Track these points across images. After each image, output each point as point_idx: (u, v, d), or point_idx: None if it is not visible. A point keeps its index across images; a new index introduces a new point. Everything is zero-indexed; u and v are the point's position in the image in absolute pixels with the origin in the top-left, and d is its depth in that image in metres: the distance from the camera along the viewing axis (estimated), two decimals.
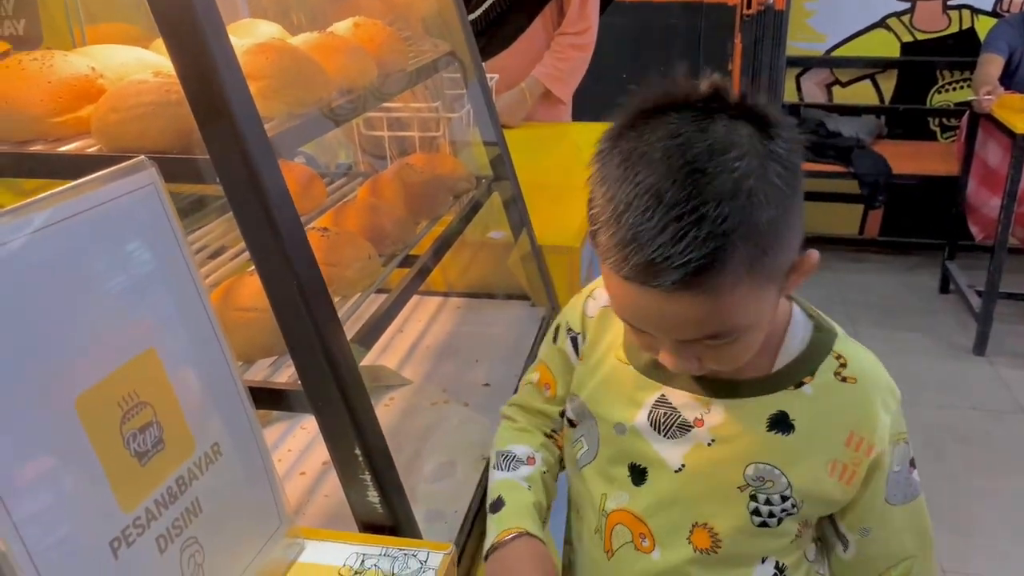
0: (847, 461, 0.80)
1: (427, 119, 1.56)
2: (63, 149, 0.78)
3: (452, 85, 1.56)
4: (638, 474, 0.85)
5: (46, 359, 0.56)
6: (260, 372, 0.87)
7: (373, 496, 0.80)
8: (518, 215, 1.53)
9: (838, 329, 0.84)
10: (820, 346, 0.82)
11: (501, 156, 1.50)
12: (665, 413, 0.83)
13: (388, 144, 1.53)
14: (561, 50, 2.46)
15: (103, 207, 0.64)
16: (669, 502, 0.83)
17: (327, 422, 0.79)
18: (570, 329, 0.96)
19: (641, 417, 0.84)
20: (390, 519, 0.81)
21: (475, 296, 1.61)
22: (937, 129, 4.39)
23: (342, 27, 1.17)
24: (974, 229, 3.66)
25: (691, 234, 0.63)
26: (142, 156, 0.67)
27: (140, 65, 0.89)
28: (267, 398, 0.81)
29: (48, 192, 0.60)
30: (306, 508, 1.02)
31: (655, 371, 0.84)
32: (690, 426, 0.82)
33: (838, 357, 0.82)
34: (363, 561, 0.75)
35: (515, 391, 1.25)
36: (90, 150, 0.79)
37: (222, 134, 0.70)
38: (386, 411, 1.23)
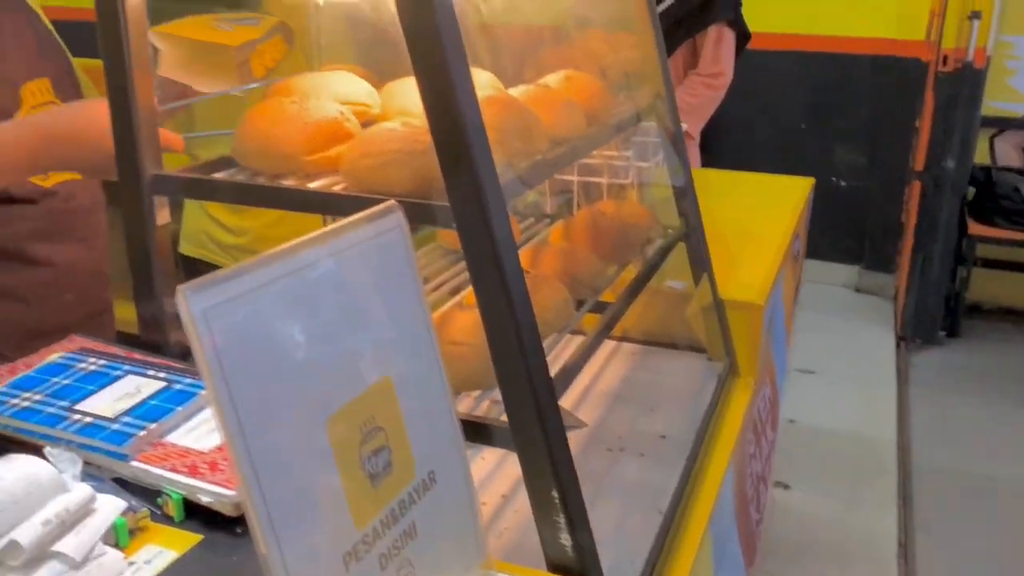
0: None
1: (618, 166, 1.59)
2: (313, 185, 0.86)
3: (643, 131, 1.59)
4: None
5: (310, 380, 0.62)
6: (460, 405, 0.91)
7: (565, 539, 0.82)
8: (700, 266, 1.53)
9: None
10: None
11: (690, 206, 1.50)
12: None
13: (577, 189, 1.57)
14: (693, 87, 2.50)
15: (361, 246, 0.70)
16: None
17: (529, 461, 0.82)
18: None
19: None
20: (579, 563, 0.83)
21: (651, 344, 1.62)
22: None
23: (554, 80, 1.22)
24: None
25: None
26: (392, 201, 0.73)
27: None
28: (472, 431, 0.85)
29: (318, 232, 0.67)
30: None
31: None
32: None
33: None
34: None
35: (692, 446, 1.25)
36: (336, 188, 0.86)
37: (464, 183, 0.75)
38: None
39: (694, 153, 2.66)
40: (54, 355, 0.89)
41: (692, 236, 1.52)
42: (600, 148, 1.60)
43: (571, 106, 1.12)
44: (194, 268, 2.00)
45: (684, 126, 2.47)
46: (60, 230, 1.25)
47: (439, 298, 1.09)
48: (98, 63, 0.84)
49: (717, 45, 2.47)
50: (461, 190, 0.75)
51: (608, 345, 1.62)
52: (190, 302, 0.53)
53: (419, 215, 0.79)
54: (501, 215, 0.77)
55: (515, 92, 1.11)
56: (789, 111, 4.35)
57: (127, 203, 0.88)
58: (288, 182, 0.88)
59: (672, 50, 2.48)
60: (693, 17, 2.45)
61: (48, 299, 1.25)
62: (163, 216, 0.90)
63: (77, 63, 1.38)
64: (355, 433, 0.65)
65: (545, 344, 1.03)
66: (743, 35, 2.57)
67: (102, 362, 0.87)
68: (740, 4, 2.56)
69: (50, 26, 1.34)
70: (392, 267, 0.74)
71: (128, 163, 0.87)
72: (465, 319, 0.93)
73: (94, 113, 1.11)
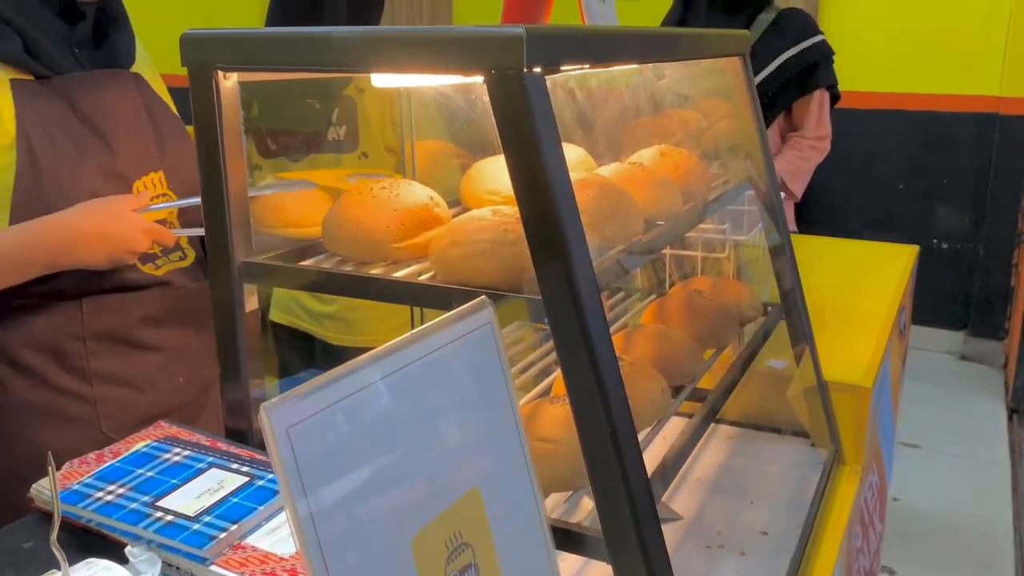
0: None
1: (713, 239, 1.53)
2: (400, 274, 0.83)
3: (740, 201, 1.53)
4: None
5: (396, 496, 0.58)
6: (549, 505, 0.86)
7: None
8: (802, 343, 1.45)
9: None
10: None
11: (791, 281, 1.43)
12: None
13: (670, 262, 1.52)
14: (801, 149, 2.44)
15: (450, 346, 0.67)
16: None
17: (624, 571, 0.76)
18: None
19: None
20: None
21: (749, 426, 1.53)
22: None
23: (648, 156, 1.18)
24: None
25: None
26: (483, 296, 0.70)
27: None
28: (563, 538, 0.80)
29: (408, 335, 0.64)
30: None
31: None
32: None
33: None
34: None
35: (796, 544, 1.16)
36: (424, 277, 0.83)
37: (556, 274, 0.71)
38: None
39: (790, 216, 2.58)
40: (140, 444, 0.88)
41: (793, 312, 1.45)
42: None
43: (666, 184, 1.08)
44: (283, 335, 2.01)
45: (789, 189, 2.41)
46: (170, 316, 1.25)
47: (526, 382, 1.05)
48: None
49: (821, 109, 2.42)
50: (553, 282, 0.71)
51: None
52: (271, 419, 0.50)
53: (510, 309, 0.75)
54: (595, 308, 0.73)
55: (608, 171, 1.08)
56: (887, 172, 4.20)
57: (216, 290, 0.88)
58: (376, 270, 0.86)
59: (772, 119, 2.42)
60: (794, 84, 2.39)
61: (159, 384, 1.25)
62: (251, 303, 0.89)
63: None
64: (441, 551, 0.61)
65: (641, 437, 0.98)
66: (835, 97, 2.51)
67: (186, 453, 0.85)
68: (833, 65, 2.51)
69: (171, 106, 1.35)
70: (482, 366, 0.71)
71: (219, 251, 0.86)
72: (555, 414, 0.88)
73: (115, 208, 1.13)
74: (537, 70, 0.69)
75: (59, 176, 1.13)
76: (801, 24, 2.43)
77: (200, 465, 0.82)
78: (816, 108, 2.41)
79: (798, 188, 2.47)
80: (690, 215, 1.10)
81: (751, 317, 1.35)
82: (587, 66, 0.78)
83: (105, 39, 1.23)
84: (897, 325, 1.87)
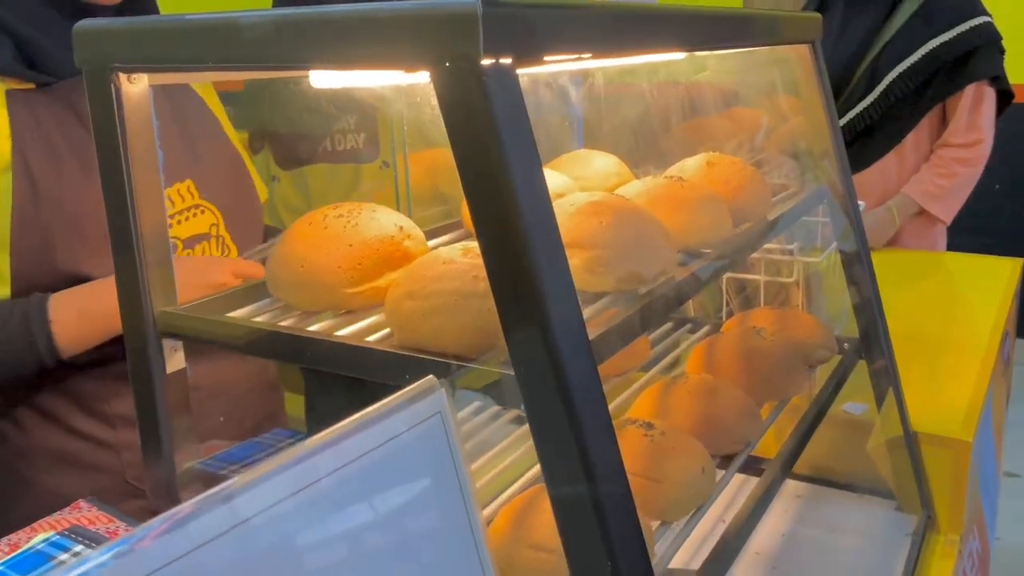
0: None
1: (778, 260, 1.30)
2: (345, 332, 0.64)
3: (811, 214, 1.29)
4: None
5: None
6: None
7: None
8: (885, 386, 1.21)
9: None
10: None
11: (873, 314, 1.19)
12: None
13: (726, 288, 1.30)
14: (943, 164, 2.05)
15: (385, 447, 0.48)
16: None
17: None
18: None
19: None
20: None
21: (819, 483, 1.30)
22: None
23: (692, 166, 0.97)
24: None
25: None
26: (431, 377, 0.51)
27: None
28: None
29: (332, 429, 0.46)
30: None
31: None
32: None
33: None
34: None
35: None
36: (374, 336, 0.64)
37: (528, 345, 0.51)
38: None
39: (941, 241, 2.20)
40: (40, 536, 0.71)
41: (874, 348, 1.21)
42: None
43: (712, 203, 0.86)
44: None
45: (932, 211, 2.05)
46: (204, 349, 1.11)
47: (513, 466, 0.84)
48: None
49: (975, 108, 2.01)
50: (524, 353, 0.51)
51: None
52: None
53: (477, 386, 0.56)
54: (591, 390, 0.52)
55: (639, 187, 0.87)
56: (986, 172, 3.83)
57: (130, 344, 0.70)
58: (322, 323, 0.67)
59: (918, 119, 2.06)
60: (947, 75, 2.00)
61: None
62: (175, 362, 0.71)
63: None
64: None
65: (677, 526, 0.77)
66: (1006, 94, 2.07)
67: (87, 554, 0.67)
68: (1003, 54, 2.05)
69: (214, 106, 1.23)
70: (428, 470, 0.51)
71: (130, 297, 0.68)
72: (550, 509, 0.68)
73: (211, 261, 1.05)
74: (504, 61, 0.49)
75: (60, 199, 1.00)
76: (955, 4, 2.01)
77: None
78: (967, 107, 2.00)
79: (941, 211, 2.08)
80: (742, 241, 0.88)
81: (823, 358, 1.12)
82: (582, 56, 0.57)
83: None
84: (1001, 356, 1.60)
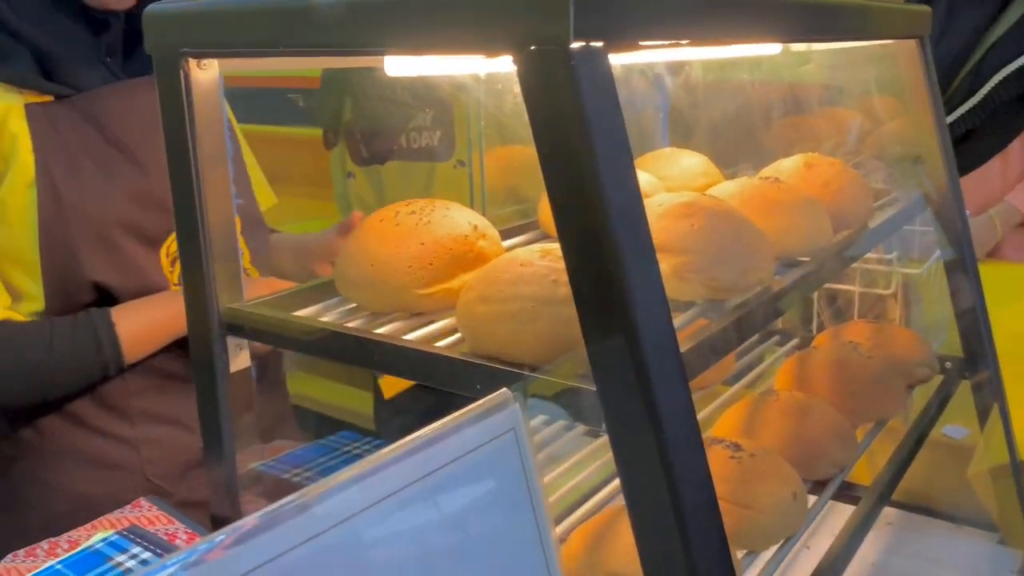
0: None
1: (875, 271, 1.22)
2: (414, 335, 0.61)
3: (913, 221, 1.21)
4: None
5: None
6: None
7: None
8: (989, 408, 1.12)
9: None
10: None
11: (979, 330, 1.10)
12: None
13: (818, 299, 1.22)
14: None
15: (457, 463, 0.45)
16: None
17: None
18: None
19: None
20: None
21: (913, 510, 1.21)
22: None
23: (788, 167, 0.90)
24: None
25: None
26: (505, 391, 0.46)
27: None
28: None
29: (403, 442, 0.43)
30: None
31: None
32: None
33: None
34: None
35: None
36: (444, 341, 0.60)
37: (613, 358, 0.46)
38: None
39: None
40: (99, 535, 0.69)
41: (979, 367, 1.12)
42: None
43: (811, 208, 0.79)
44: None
45: None
46: None
47: (585, 482, 0.79)
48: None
49: None
50: (608, 367, 0.46)
51: (849, 510, 1.23)
52: None
53: (557, 400, 0.51)
54: (683, 420, 0.47)
55: (731, 188, 0.81)
56: None
57: (193, 342, 0.68)
58: (391, 325, 0.64)
59: (1019, 129, 1.91)
60: None
61: None
62: (240, 360, 0.69)
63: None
64: None
65: (765, 555, 0.71)
66: None
67: (145, 556, 0.66)
68: None
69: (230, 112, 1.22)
70: (500, 488, 0.47)
71: (195, 293, 0.66)
72: (632, 535, 0.63)
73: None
74: (595, 45, 0.45)
75: (85, 211, 0.99)
76: None
77: None
78: None
79: None
80: (842, 251, 0.81)
81: (923, 377, 1.04)
82: (677, 42, 0.52)
83: (138, 45, 1.07)
84: None
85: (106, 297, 1.01)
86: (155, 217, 1.03)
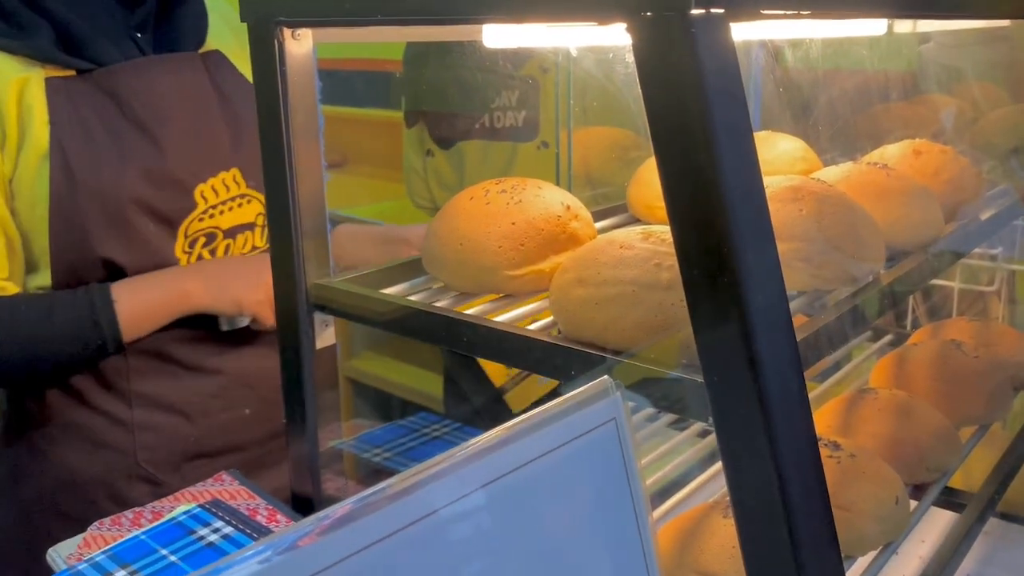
0: None
1: (977, 266, 1.16)
2: (505, 317, 0.59)
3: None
4: None
5: None
6: None
7: None
8: None
9: None
10: None
11: None
12: None
13: (915, 297, 1.16)
14: None
15: (556, 452, 0.43)
16: None
17: None
18: None
19: None
20: None
21: (1013, 519, 1.14)
22: None
23: (895, 153, 0.85)
24: None
25: None
26: (606, 378, 0.44)
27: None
28: None
29: (502, 428, 0.42)
30: None
31: None
32: None
33: None
34: None
35: None
36: (535, 325, 0.58)
37: (725, 345, 0.43)
38: None
39: None
40: (182, 507, 0.69)
41: None
42: None
43: (923, 196, 0.75)
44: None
45: None
46: (236, 332, 1.05)
47: (671, 474, 0.76)
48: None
49: None
50: (719, 354, 0.43)
51: (945, 515, 1.17)
52: None
53: (657, 391, 0.49)
54: (798, 417, 0.44)
55: (836, 174, 0.77)
56: None
57: (280, 317, 0.67)
58: (480, 306, 0.62)
59: None
60: None
61: (214, 414, 1.05)
62: (326, 337, 0.68)
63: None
64: None
65: (863, 561, 0.67)
66: None
67: (227, 531, 0.65)
68: None
69: None
70: (599, 481, 0.45)
71: (283, 268, 0.65)
72: (726, 534, 0.60)
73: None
74: (716, 11, 0.42)
75: (98, 187, 0.97)
76: None
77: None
78: None
79: None
80: (955, 243, 0.76)
81: None
82: (800, 12, 0.48)
83: (169, 19, 1.06)
84: None
85: (115, 274, 0.99)
86: (169, 195, 1.00)
